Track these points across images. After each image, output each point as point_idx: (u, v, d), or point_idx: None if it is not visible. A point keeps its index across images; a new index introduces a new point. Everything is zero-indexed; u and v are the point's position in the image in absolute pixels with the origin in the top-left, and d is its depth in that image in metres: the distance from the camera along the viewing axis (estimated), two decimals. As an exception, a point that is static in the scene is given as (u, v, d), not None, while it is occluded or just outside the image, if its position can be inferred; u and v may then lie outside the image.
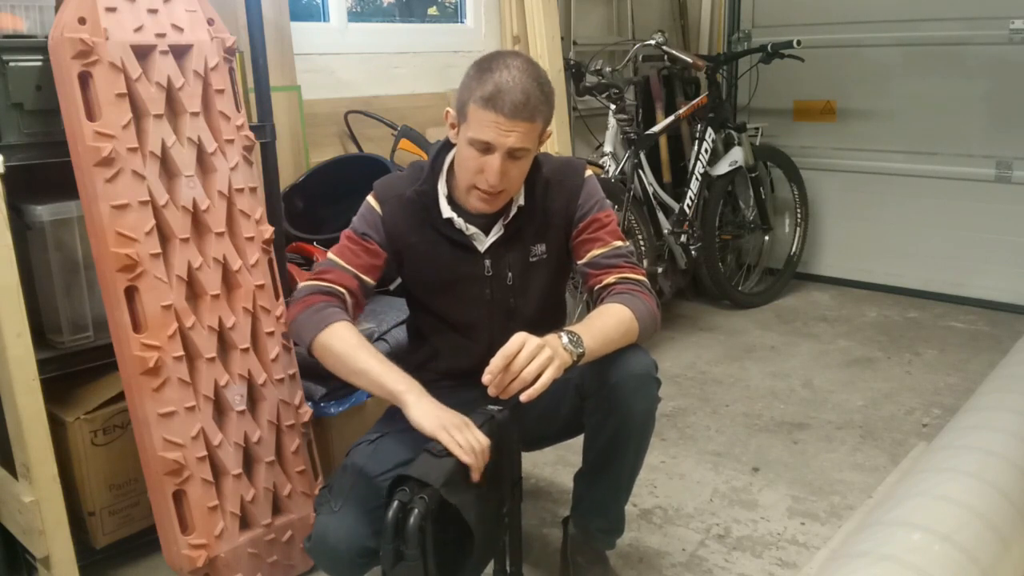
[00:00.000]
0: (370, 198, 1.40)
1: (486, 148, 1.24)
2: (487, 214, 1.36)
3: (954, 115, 3.12)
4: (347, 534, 1.22)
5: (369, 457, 1.33)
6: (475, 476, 1.13)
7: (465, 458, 1.12)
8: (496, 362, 1.14)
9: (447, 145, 1.39)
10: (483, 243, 1.38)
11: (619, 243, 1.41)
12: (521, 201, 1.37)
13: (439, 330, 1.46)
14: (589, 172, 1.43)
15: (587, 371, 1.30)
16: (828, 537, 1.70)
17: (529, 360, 1.14)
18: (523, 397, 1.15)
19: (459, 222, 1.36)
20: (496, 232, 1.37)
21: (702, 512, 1.82)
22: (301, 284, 1.38)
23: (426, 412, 1.17)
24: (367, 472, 1.29)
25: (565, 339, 1.20)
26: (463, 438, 1.13)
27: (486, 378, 1.15)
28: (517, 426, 1.25)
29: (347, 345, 1.27)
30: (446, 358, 1.47)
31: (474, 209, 1.34)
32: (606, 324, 1.28)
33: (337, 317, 1.30)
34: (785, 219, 3.45)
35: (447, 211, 1.36)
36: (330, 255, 1.39)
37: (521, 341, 1.15)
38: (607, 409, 1.30)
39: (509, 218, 1.37)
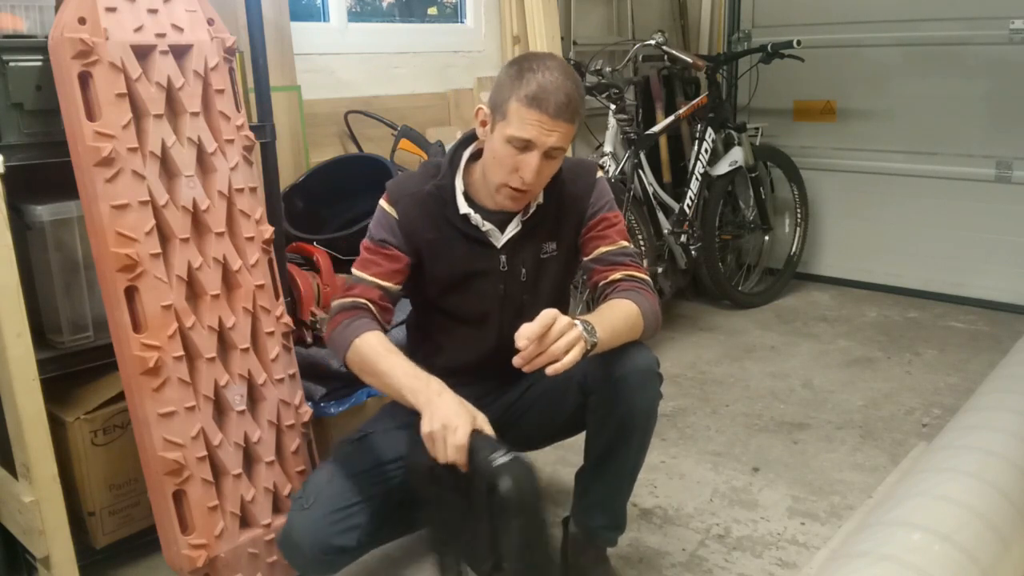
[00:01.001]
0: (383, 202, 1.40)
1: (526, 146, 1.25)
2: (504, 211, 1.37)
3: (954, 115, 3.12)
4: (312, 531, 1.23)
5: (348, 456, 1.34)
6: (463, 468, 1.13)
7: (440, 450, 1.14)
8: (534, 328, 1.13)
9: (465, 142, 1.40)
10: (499, 239, 1.39)
11: (626, 243, 1.43)
12: (540, 199, 1.39)
13: (446, 326, 1.47)
14: (600, 173, 1.46)
15: (591, 367, 1.31)
16: (828, 537, 1.70)
17: (560, 336, 1.14)
18: (549, 371, 1.14)
19: (476, 218, 1.37)
20: (513, 228, 1.38)
21: (702, 512, 1.82)
22: (332, 303, 1.40)
23: (425, 420, 1.17)
24: (344, 470, 1.30)
25: (580, 327, 1.20)
26: (439, 448, 1.14)
27: (521, 343, 1.13)
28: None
29: (367, 361, 1.28)
30: (450, 353, 1.47)
31: (501, 207, 1.35)
32: (615, 318, 1.29)
33: (358, 332, 1.30)
34: (785, 219, 3.45)
35: (464, 207, 1.37)
36: (353, 270, 1.40)
37: (554, 315, 1.15)
38: (611, 404, 1.31)
39: (528, 215, 1.38)
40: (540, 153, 1.25)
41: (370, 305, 1.35)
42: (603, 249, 1.41)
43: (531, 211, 1.38)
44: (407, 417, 1.40)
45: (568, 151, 1.37)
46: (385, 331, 1.36)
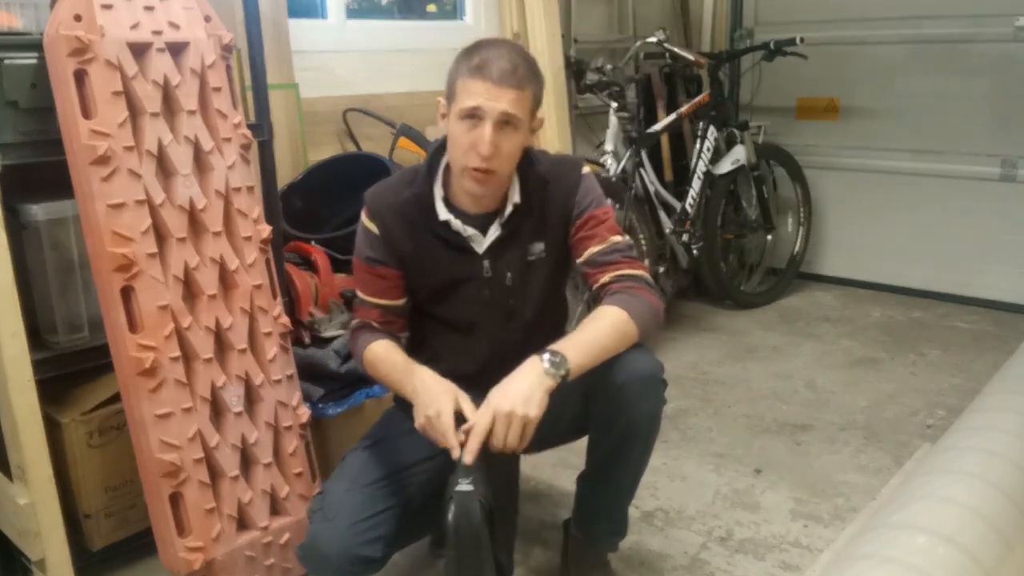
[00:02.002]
0: (363, 216, 1.39)
1: (476, 117, 1.23)
2: (483, 215, 1.35)
3: (958, 113, 3.10)
4: (339, 543, 1.21)
5: (364, 463, 1.32)
6: (454, 455, 1.18)
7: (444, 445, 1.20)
8: (472, 445, 1.17)
9: (442, 147, 1.37)
10: (481, 244, 1.36)
11: (617, 238, 1.38)
12: (517, 199, 1.35)
13: (438, 332, 1.45)
14: (586, 169, 1.41)
15: (592, 374, 1.28)
16: (831, 540, 1.69)
17: (505, 432, 1.17)
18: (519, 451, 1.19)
19: (456, 224, 1.34)
20: (493, 232, 1.35)
21: (704, 514, 1.81)
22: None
23: (416, 413, 1.24)
24: (362, 479, 1.29)
25: (547, 363, 1.19)
26: (433, 437, 1.21)
27: (468, 459, 1.17)
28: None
29: (373, 370, 1.38)
30: (447, 361, 1.46)
31: (470, 193, 1.32)
32: (596, 334, 1.26)
33: (364, 345, 1.38)
34: (788, 218, 3.44)
35: (444, 213, 1.34)
36: (356, 290, 1.45)
37: (488, 418, 1.17)
38: (612, 412, 1.29)
39: (505, 217, 1.35)
40: (491, 123, 1.22)
41: (373, 324, 1.41)
42: (593, 250, 1.36)
43: (508, 212, 1.35)
44: (412, 423, 1.41)
45: (533, 138, 1.34)
46: (397, 337, 1.42)
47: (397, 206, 1.36)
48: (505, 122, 1.24)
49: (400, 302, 1.41)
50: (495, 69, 1.22)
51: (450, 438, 1.18)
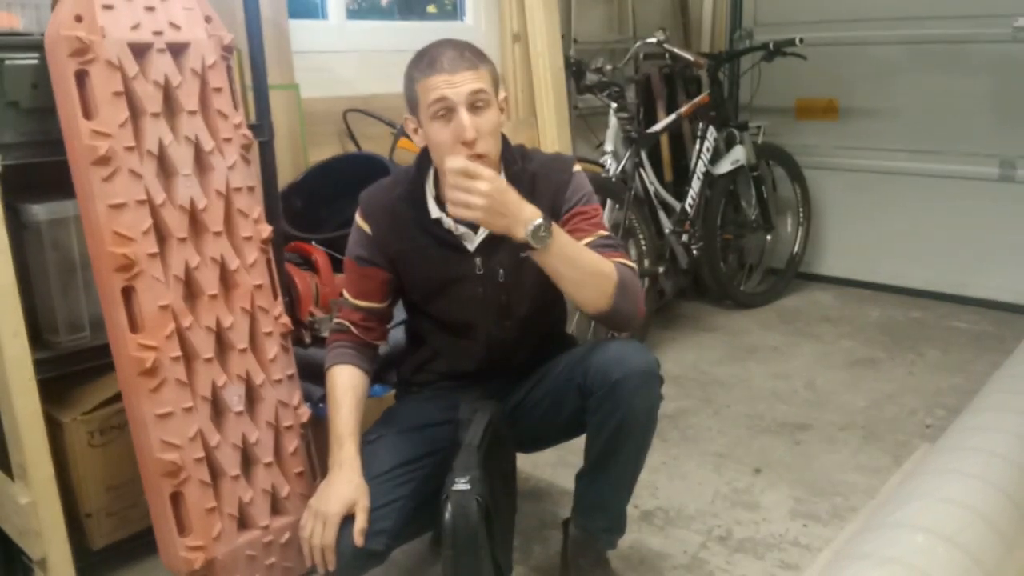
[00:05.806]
0: (357, 216, 1.40)
1: (446, 108, 1.24)
2: None
3: (957, 114, 3.10)
4: (344, 536, 1.22)
5: (368, 458, 1.32)
6: (307, 562, 1.26)
7: (304, 550, 1.25)
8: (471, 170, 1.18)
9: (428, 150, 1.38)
10: (472, 242, 1.36)
11: (604, 232, 1.38)
12: None
13: (436, 332, 1.46)
14: (577, 167, 1.41)
15: (589, 370, 1.29)
16: (830, 539, 1.69)
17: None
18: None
19: (448, 222, 1.35)
20: (484, 230, 1.35)
21: (704, 514, 1.81)
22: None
23: (319, 492, 1.27)
24: (364, 474, 1.29)
25: (531, 228, 1.19)
26: (311, 534, 1.23)
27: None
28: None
29: (327, 396, 1.40)
30: (446, 360, 1.46)
31: None
32: (585, 250, 1.27)
33: (332, 362, 1.41)
34: (787, 218, 3.44)
35: (435, 211, 1.35)
36: (343, 290, 1.45)
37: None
38: (609, 407, 1.29)
39: None
40: (464, 107, 1.24)
41: (352, 328, 1.42)
42: (583, 241, 1.33)
43: None
44: (415, 419, 1.41)
45: (504, 116, 1.33)
46: (372, 347, 1.45)
47: (389, 205, 1.37)
48: (476, 103, 1.25)
49: (383, 305, 1.42)
50: (445, 60, 1.25)
51: (314, 553, 1.23)
